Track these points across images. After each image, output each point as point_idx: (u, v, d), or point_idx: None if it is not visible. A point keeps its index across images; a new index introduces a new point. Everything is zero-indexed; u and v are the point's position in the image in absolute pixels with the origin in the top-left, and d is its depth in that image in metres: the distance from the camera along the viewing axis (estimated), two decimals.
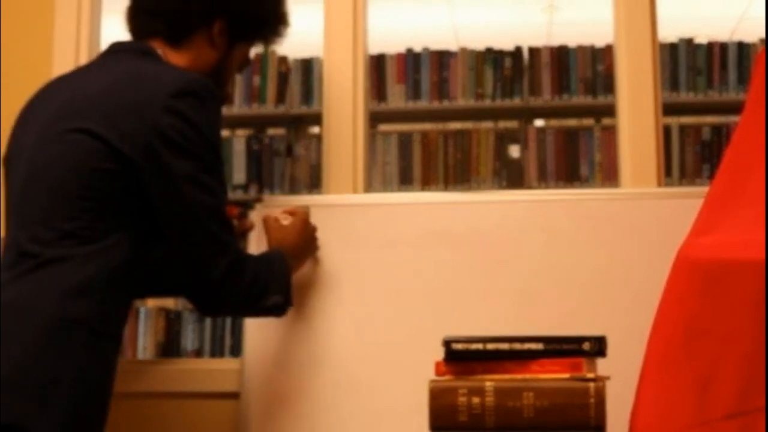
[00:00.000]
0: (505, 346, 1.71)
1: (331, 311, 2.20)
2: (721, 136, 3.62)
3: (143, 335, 3.42)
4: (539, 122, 4.10)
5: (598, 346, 1.70)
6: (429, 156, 3.66)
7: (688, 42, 3.69)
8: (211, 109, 1.81)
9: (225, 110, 3.70)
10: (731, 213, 1.67)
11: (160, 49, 1.89)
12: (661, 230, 2.11)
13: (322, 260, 2.23)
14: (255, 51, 3.71)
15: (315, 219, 2.19)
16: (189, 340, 3.41)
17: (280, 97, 3.60)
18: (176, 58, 1.89)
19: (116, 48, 1.91)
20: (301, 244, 2.08)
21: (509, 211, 2.24)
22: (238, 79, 3.59)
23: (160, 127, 1.72)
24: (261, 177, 3.56)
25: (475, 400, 1.68)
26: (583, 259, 2.17)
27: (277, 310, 1.95)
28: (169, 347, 3.40)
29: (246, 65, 2.09)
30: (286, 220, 2.09)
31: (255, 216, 2.26)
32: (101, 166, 1.72)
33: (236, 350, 3.28)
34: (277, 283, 1.91)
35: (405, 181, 3.66)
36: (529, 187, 3.59)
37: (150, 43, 1.89)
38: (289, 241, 2.04)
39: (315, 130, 3.78)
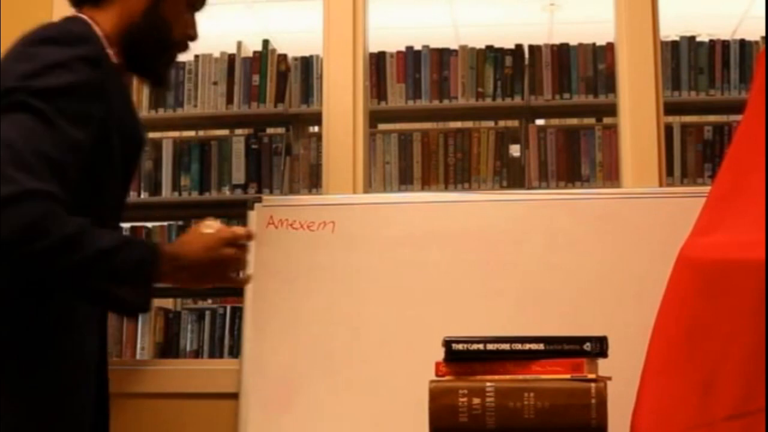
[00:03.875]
0: (505, 346, 1.70)
1: (331, 311, 2.19)
2: (723, 135, 3.61)
3: (142, 336, 3.41)
4: (540, 121, 4.08)
5: (600, 347, 1.70)
6: (429, 156, 3.65)
7: (690, 40, 3.68)
8: (65, 53, 1.71)
9: (224, 109, 3.72)
10: (733, 213, 1.66)
11: (88, 13, 1.86)
12: (663, 230, 2.10)
13: (322, 260, 2.22)
14: (253, 49, 3.70)
15: (314, 218, 2.17)
16: (188, 341, 3.40)
17: (280, 96, 3.59)
18: (104, 17, 1.86)
19: None
20: (198, 260, 1.81)
21: (510, 210, 2.23)
22: (238, 78, 3.58)
23: (8, 63, 1.71)
24: (260, 176, 3.55)
25: (476, 400, 1.67)
26: (584, 259, 2.16)
27: (116, 303, 1.72)
28: (168, 348, 3.40)
29: (198, 3, 1.98)
30: (208, 229, 1.85)
31: (254, 216, 2.26)
32: None
33: (235, 351, 3.27)
34: (116, 268, 1.67)
35: (405, 181, 3.65)
36: (530, 187, 3.58)
37: (82, 11, 1.87)
38: (188, 249, 1.82)
39: (314, 129, 3.78)
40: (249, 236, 1.89)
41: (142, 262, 1.71)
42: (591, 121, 3.89)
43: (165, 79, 1.99)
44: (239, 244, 1.85)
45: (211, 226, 1.85)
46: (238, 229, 1.87)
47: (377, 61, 3.64)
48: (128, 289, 1.69)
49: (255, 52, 3.64)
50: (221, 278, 1.87)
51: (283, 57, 3.62)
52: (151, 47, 1.90)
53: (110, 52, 1.83)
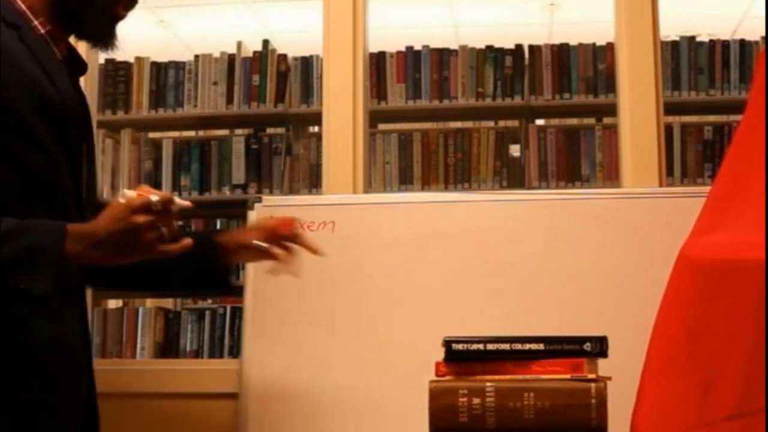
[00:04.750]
0: (505, 346, 1.70)
1: (331, 311, 2.19)
2: (723, 135, 3.61)
3: (142, 336, 3.42)
4: (540, 121, 4.09)
5: (600, 347, 1.69)
6: (429, 156, 3.65)
7: (690, 40, 3.68)
8: None
9: (224, 109, 3.72)
10: (733, 213, 1.66)
11: None
12: (663, 230, 2.10)
13: (322, 260, 2.22)
14: (253, 49, 3.69)
15: (314, 218, 2.17)
16: (188, 341, 3.41)
17: (280, 96, 3.60)
18: None
19: None
20: (109, 233, 1.68)
21: (510, 211, 2.23)
22: (238, 78, 3.59)
23: None
24: (260, 176, 3.56)
25: (476, 400, 1.67)
26: (584, 259, 2.16)
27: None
28: (168, 348, 3.40)
29: None
30: (121, 199, 1.71)
31: (254, 216, 2.25)
32: None
33: (235, 351, 3.28)
34: (4, 257, 1.61)
35: (405, 181, 3.65)
36: (530, 187, 3.59)
37: None
38: (97, 224, 1.71)
39: (314, 129, 3.78)
40: (166, 201, 1.70)
41: (36, 248, 1.64)
42: (591, 121, 3.90)
43: (105, 36, 1.88)
44: (155, 211, 1.69)
45: (125, 195, 1.70)
46: (154, 194, 1.70)
47: (377, 61, 3.65)
48: (24, 277, 1.62)
49: (255, 52, 3.64)
50: (142, 249, 1.71)
51: (283, 57, 3.63)
52: (77, 7, 1.83)
53: (36, 23, 1.79)
